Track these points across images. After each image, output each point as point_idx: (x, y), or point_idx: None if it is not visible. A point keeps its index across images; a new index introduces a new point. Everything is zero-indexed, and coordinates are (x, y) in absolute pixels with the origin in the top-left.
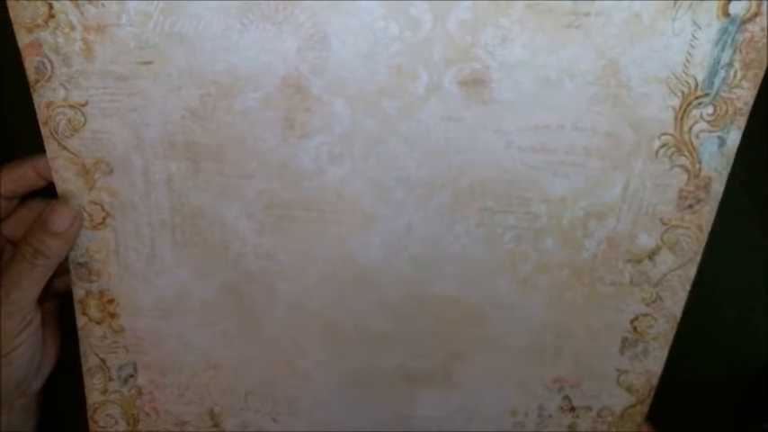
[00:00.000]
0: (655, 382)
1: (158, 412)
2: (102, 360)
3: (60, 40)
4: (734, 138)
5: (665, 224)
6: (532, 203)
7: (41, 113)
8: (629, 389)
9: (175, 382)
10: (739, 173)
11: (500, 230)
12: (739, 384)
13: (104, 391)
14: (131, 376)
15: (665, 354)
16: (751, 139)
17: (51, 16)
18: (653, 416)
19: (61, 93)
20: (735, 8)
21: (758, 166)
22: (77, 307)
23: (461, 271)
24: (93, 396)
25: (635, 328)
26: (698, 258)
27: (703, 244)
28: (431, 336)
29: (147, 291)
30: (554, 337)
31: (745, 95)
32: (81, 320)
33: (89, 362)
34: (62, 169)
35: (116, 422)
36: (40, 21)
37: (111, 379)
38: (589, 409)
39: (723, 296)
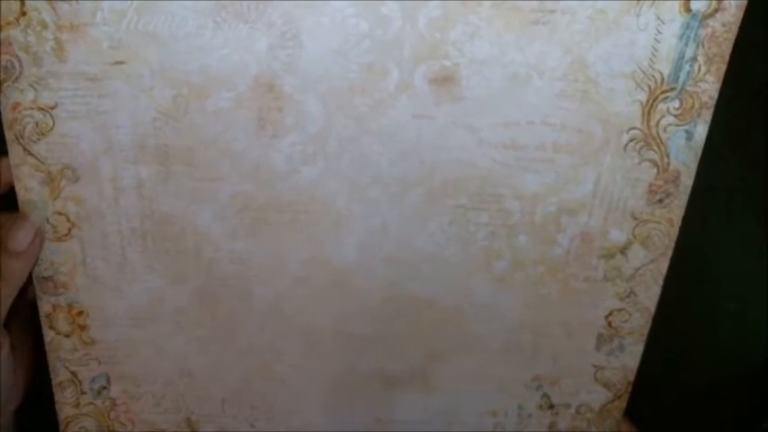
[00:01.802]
0: (631, 377)
1: (134, 422)
2: (73, 373)
3: (31, 38)
4: (701, 131)
5: (635, 219)
6: (505, 200)
7: (6, 116)
8: (606, 385)
9: (150, 391)
10: (739, 173)
11: (473, 228)
12: (739, 384)
13: (77, 405)
14: (104, 388)
15: (640, 349)
16: (751, 139)
17: (23, 14)
18: (653, 415)
19: (30, 94)
20: (696, 5)
21: (758, 166)
22: (44, 321)
23: (437, 270)
24: (65, 410)
25: (610, 324)
26: (669, 253)
27: (674, 238)
28: (408, 337)
29: (118, 300)
30: (531, 336)
31: (710, 89)
32: (48, 335)
33: (59, 376)
34: (26, 177)
35: None
36: (11, 18)
37: (83, 392)
38: (568, 406)
39: (723, 296)
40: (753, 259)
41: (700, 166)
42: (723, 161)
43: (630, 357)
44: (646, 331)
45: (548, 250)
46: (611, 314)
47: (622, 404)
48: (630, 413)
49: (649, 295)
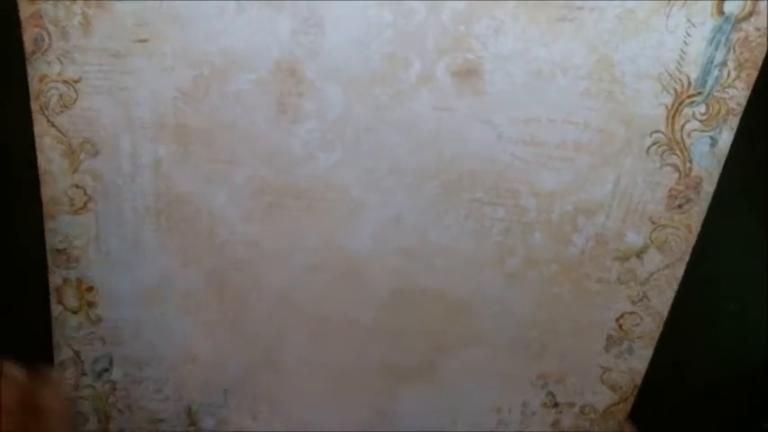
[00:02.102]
0: (638, 381)
1: (131, 409)
2: (77, 352)
3: (61, 12)
4: (726, 138)
5: (654, 223)
6: (522, 196)
7: (33, 88)
8: (612, 387)
9: (153, 376)
10: (739, 173)
11: (489, 223)
12: (739, 384)
13: (76, 387)
14: (106, 370)
15: (649, 353)
16: (751, 140)
17: None
18: (653, 415)
19: (56, 67)
20: (729, 7)
21: (758, 166)
22: (53, 295)
23: (449, 264)
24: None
25: (620, 326)
26: (686, 258)
27: (692, 244)
28: (417, 330)
29: (128, 278)
30: (539, 333)
31: (738, 96)
32: (56, 310)
33: (62, 354)
34: (48, 149)
35: (86, 420)
36: None
37: (84, 373)
38: (572, 405)
39: (723, 296)
40: (753, 260)
41: None
42: (724, 162)
43: (639, 361)
44: (656, 336)
45: (562, 249)
46: (622, 317)
47: (627, 407)
48: (631, 412)
49: (662, 300)
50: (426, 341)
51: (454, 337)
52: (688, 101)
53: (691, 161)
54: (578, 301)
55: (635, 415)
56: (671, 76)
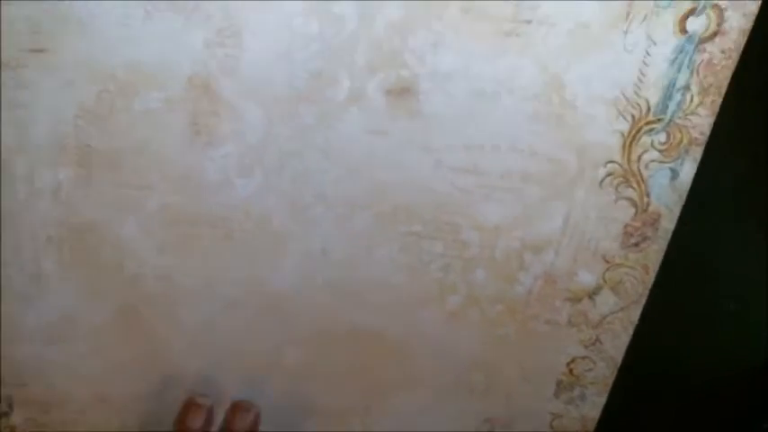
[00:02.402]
0: (591, 427)
1: None
2: None
3: None
4: (688, 171)
5: (607, 262)
6: (463, 230)
7: None
8: None
9: (58, 419)
10: (740, 173)
11: (426, 258)
12: (739, 384)
13: None
14: (5, 414)
15: (603, 400)
16: (751, 140)
17: None
18: (653, 415)
19: None
20: (693, 24)
21: (758, 166)
22: None
23: (383, 300)
24: None
25: (571, 371)
26: (642, 301)
27: (649, 286)
28: (349, 370)
29: (29, 313)
30: (484, 376)
31: (702, 124)
32: None
33: None
34: None
35: None
36: None
37: None
38: None
39: (723, 296)
40: (753, 259)
41: (700, 167)
42: (724, 161)
43: (591, 408)
44: (610, 382)
45: (508, 288)
46: (573, 361)
47: None
48: (631, 412)
49: (617, 344)
50: (360, 382)
51: (391, 378)
52: (646, 128)
53: (648, 195)
54: (526, 344)
55: (635, 415)
56: (628, 100)
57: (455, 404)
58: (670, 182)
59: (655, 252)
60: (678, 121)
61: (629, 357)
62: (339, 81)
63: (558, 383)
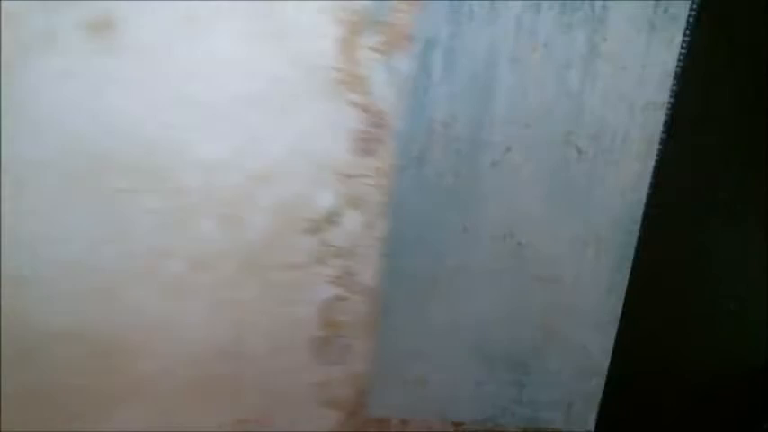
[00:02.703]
0: (365, 386)
1: None
2: None
3: None
4: (405, 66)
5: (344, 175)
6: (179, 176)
7: None
8: (333, 404)
9: None
10: (740, 174)
11: (137, 216)
12: (739, 384)
13: None
14: None
15: (371, 345)
16: (750, 140)
17: None
18: (653, 415)
19: None
20: None
21: (758, 168)
22: None
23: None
24: None
25: (325, 321)
26: (385, 212)
27: (388, 192)
28: None
29: None
30: (223, 366)
31: (409, 20)
32: None
33: None
34: None
35: None
36: None
37: None
38: None
39: (723, 296)
40: (753, 259)
41: (701, 167)
42: (724, 163)
43: (360, 359)
44: (374, 320)
45: (237, 236)
46: (325, 307)
47: (359, 422)
48: (631, 412)
49: (371, 272)
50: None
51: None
52: (362, 31)
53: (371, 94)
54: (268, 304)
55: (635, 415)
56: (342, 6)
57: (202, 412)
58: (389, 77)
59: (387, 153)
60: (388, 19)
61: (628, 357)
62: None
63: (313, 341)
